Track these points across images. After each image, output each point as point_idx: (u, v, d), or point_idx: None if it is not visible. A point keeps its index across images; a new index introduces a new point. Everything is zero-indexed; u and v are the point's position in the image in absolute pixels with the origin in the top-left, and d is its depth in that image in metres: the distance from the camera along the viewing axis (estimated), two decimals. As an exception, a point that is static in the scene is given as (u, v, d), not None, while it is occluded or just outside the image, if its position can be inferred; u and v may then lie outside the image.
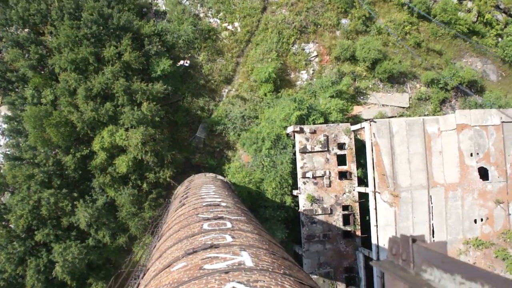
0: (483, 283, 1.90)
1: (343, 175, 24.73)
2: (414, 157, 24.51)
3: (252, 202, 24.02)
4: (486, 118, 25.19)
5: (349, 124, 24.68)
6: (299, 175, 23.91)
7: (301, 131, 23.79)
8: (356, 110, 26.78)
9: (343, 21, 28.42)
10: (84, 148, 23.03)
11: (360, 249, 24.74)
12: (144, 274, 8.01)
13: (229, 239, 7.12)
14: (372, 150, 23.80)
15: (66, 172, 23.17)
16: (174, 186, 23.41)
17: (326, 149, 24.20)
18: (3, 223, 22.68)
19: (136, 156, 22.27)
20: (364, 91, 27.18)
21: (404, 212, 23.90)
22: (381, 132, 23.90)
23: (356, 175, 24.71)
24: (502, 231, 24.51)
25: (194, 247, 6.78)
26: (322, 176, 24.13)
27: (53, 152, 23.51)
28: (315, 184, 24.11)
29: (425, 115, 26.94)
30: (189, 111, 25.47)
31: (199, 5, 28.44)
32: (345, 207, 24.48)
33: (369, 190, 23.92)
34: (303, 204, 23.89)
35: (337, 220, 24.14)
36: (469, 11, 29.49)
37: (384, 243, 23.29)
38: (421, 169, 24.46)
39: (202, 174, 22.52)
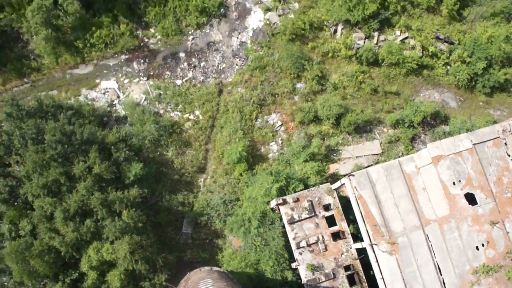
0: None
1: (336, 236, 31.42)
2: (400, 200, 31.79)
3: (254, 286, 29.95)
4: (458, 145, 33.41)
5: (329, 184, 32.12)
6: (293, 246, 30.39)
7: (284, 202, 30.89)
8: (333, 168, 34.54)
9: (298, 85, 37.62)
10: (73, 271, 28.88)
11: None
12: None
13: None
14: (357, 203, 30.97)
15: (59, 302, 28.53)
16: (172, 289, 29.15)
17: (313, 214, 31.17)
18: None
19: (127, 267, 28.26)
20: (335, 148, 35.30)
21: (406, 257, 30.41)
22: (362, 184, 31.35)
23: (349, 232, 31.49)
24: (506, 251, 31.21)
25: None
26: (316, 242, 30.72)
27: (42, 283, 29.17)
28: (311, 251, 30.58)
29: (399, 157, 34.90)
30: (170, 209, 32.32)
31: (157, 102, 37.05)
32: (347, 268, 30.77)
33: (365, 244, 30.54)
34: (305, 275, 30.03)
35: (342, 283, 30.25)
36: (413, 48, 39.58)
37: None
38: (410, 210, 31.60)
39: (197, 270, 28.56)
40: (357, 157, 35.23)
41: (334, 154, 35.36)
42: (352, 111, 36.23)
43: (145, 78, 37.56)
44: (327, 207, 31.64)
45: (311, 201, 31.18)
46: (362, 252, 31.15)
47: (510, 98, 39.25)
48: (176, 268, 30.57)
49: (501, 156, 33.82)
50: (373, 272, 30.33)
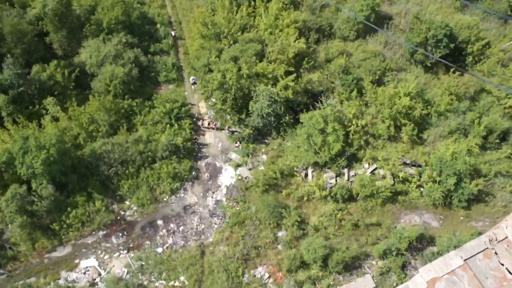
0: None
1: None
2: (401, 332, 39.21)
3: None
4: (449, 263, 42.10)
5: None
6: None
7: None
8: (328, 312, 42.47)
9: (280, 233, 47.65)
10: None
11: None
12: None
13: None
14: None
15: None
16: None
17: None
18: None
19: None
20: (328, 291, 43.81)
21: None
22: (360, 322, 39.18)
23: None
24: None
25: None
26: None
27: None
28: None
29: (394, 287, 43.48)
30: None
31: (140, 274, 45.82)
32: None
33: None
34: None
35: None
36: (383, 177, 51.29)
37: None
38: None
39: None
40: (350, 295, 43.49)
41: (329, 298, 43.65)
42: (338, 250, 45.59)
43: (125, 251, 46.98)
44: None
45: None
46: None
47: (488, 207, 49.76)
48: None
49: (494, 266, 42.18)
50: None
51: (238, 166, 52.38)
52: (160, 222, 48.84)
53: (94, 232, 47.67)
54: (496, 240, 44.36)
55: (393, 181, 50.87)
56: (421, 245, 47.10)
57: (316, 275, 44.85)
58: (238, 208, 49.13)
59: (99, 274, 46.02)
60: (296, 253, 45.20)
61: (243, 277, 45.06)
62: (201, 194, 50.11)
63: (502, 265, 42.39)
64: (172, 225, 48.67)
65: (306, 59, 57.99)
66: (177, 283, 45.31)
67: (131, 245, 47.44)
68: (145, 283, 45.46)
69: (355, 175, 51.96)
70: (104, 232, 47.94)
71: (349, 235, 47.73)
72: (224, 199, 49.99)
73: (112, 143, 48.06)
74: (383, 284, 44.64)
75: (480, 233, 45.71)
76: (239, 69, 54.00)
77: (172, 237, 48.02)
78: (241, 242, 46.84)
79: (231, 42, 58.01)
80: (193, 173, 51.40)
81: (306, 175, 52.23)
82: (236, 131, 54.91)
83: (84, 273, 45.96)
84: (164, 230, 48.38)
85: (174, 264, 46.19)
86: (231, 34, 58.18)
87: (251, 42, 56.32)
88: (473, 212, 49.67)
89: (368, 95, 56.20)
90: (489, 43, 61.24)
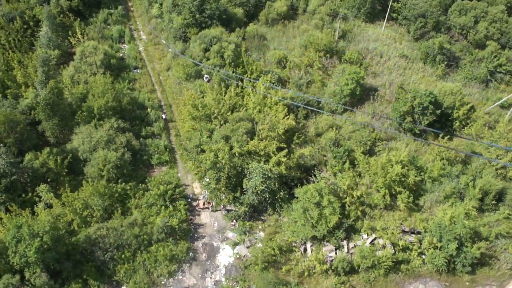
0: None
1: None
2: None
3: None
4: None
5: None
6: None
7: None
8: None
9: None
10: None
11: None
12: None
13: None
14: None
15: None
16: None
17: None
18: None
19: None
20: None
21: None
22: None
23: None
24: None
25: None
26: None
27: None
28: None
29: None
30: None
31: None
32: None
33: None
34: None
35: None
36: (383, 247, 52.93)
37: None
38: None
39: None
40: None
41: None
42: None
43: None
44: None
45: None
46: None
47: (493, 271, 51.24)
48: None
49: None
50: None
51: (235, 244, 53.83)
52: (158, 308, 49.34)
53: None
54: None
55: (393, 250, 52.45)
56: (430, 313, 47.88)
57: None
58: (238, 288, 49.98)
59: None
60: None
61: None
62: (200, 275, 51.02)
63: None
64: (170, 311, 49.13)
65: (296, 134, 61.62)
66: None
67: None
68: None
69: (355, 246, 53.58)
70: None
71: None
72: (223, 279, 50.90)
73: (107, 228, 49.65)
74: None
75: (488, 298, 47.05)
76: (231, 148, 57.06)
77: (171, 323, 48.32)
78: None
79: (222, 122, 61.69)
80: (190, 254, 52.65)
81: (305, 249, 53.70)
82: (231, 210, 56.84)
83: None
84: (163, 317, 48.76)
85: None
86: (221, 114, 61.99)
87: (241, 121, 59.93)
88: (478, 276, 51.04)
89: (361, 166, 59.21)
90: (473, 107, 65.71)
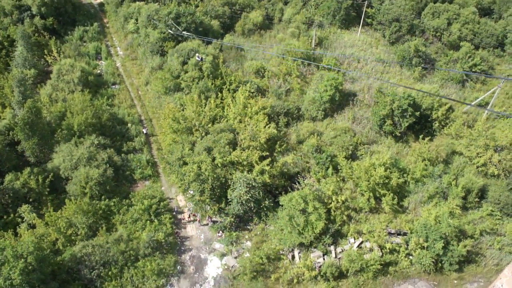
0: None
1: None
2: None
3: None
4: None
5: None
6: None
7: None
8: None
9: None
10: None
11: None
12: None
13: None
14: None
15: None
16: None
17: None
18: None
19: None
20: None
21: None
22: None
23: None
24: None
25: None
26: None
27: None
28: None
29: None
30: None
31: None
32: None
33: None
34: None
35: None
36: (371, 250, 53.47)
37: None
38: None
39: None
40: None
41: None
42: None
43: None
44: None
45: None
46: None
47: (480, 267, 52.07)
48: None
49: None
50: None
51: (223, 255, 53.85)
52: (147, 324, 49.00)
53: None
54: (496, 300, 46.55)
55: (381, 253, 52.97)
56: (421, 314, 48.37)
57: None
58: (229, 308, 49.93)
59: None
60: None
61: None
62: (188, 289, 50.92)
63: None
64: (160, 327, 48.83)
65: (278, 142, 62.22)
66: None
67: None
68: None
69: (342, 251, 54.00)
70: None
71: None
72: (212, 291, 50.83)
73: (92, 245, 49.28)
74: None
75: (476, 295, 47.74)
76: (214, 159, 57.26)
77: None
78: None
79: (203, 133, 61.95)
80: (178, 267, 52.48)
81: (293, 257, 53.93)
82: (217, 221, 56.92)
83: None
84: (152, 333, 48.42)
85: None
86: (202, 126, 62.27)
87: (222, 132, 60.23)
88: (466, 274, 51.79)
89: (344, 171, 59.86)
90: (451, 107, 67.01)
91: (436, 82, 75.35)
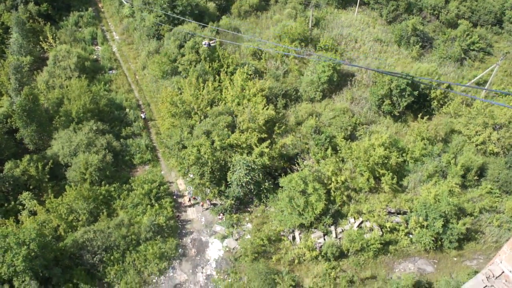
0: None
1: None
2: None
3: None
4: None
5: None
6: None
7: None
8: None
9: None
10: None
11: None
12: None
13: None
14: None
15: None
16: None
17: None
18: None
19: None
20: None
21: None
22: None
23: None
24: None
25: None
26: None
27: None
28: None
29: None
30: None
31: None
32: None
33: None
34: None
35: None
36: (371, 229, 53.83)
37: None
38: None
39: None
40: None
41: None
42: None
43: None
44: None
45: None
46: None
47: (479, 245, 52.50)
48: None
49: (496, 303, 44.84)
50: None
51: (224, 238, 54.24)
52: (151, 307, 49.58)
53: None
54: (493, 276, 46.74)
55: (381, 232, 53.32)
56: (421, 290, 48.87)
57: (318, 338, 45.81)
58: (229, 281, 50.39)
59: None
60: (295, 318, 46.34)
61: None
62: (191, 271, 51.32)
63: (505, 301, 45.01)
64: (163, 309, 49.41)
65: (277, 124, 62.18)
66: None
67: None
68: None
69: (343, 231, 54.36)
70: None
71: (344, 299, 49.27)
72: (214, 273, 51.28)
73: (93, 231, 49.59)
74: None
75: (476, 272, 47.96)
76: (213, 143, 57.30)
77: (165, 321, 48.61)
78: None
79: (201, 117, 61.90)
80: (180, 250, 52.90)
81: (294, 238, 54.31)
82: (217, 204, 57.21)
83: None
84: (155, 315, 49.02)
85: None
86: (200, 109, 62.19)
87: (221, 115, 60.20)
88: (465, 251, 52.20)
89: (343, 151, 59.99)
90: (450, 86, 66.79)
91: (434, 61, 75.06)
